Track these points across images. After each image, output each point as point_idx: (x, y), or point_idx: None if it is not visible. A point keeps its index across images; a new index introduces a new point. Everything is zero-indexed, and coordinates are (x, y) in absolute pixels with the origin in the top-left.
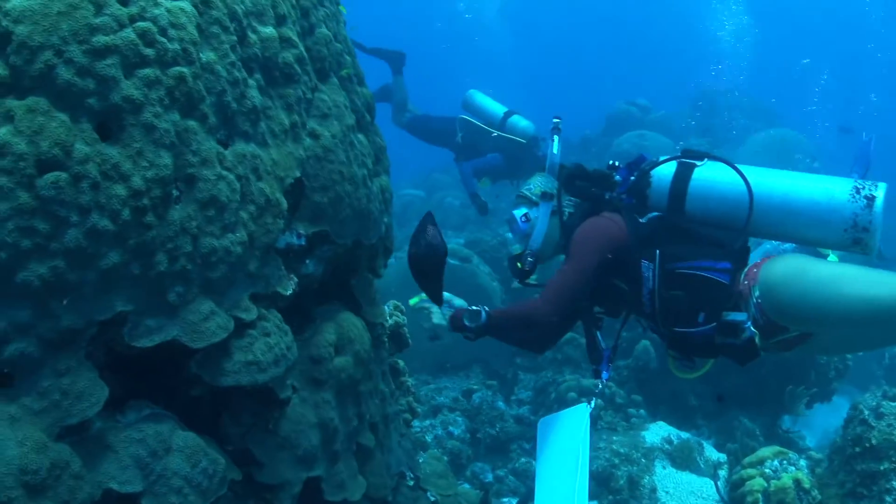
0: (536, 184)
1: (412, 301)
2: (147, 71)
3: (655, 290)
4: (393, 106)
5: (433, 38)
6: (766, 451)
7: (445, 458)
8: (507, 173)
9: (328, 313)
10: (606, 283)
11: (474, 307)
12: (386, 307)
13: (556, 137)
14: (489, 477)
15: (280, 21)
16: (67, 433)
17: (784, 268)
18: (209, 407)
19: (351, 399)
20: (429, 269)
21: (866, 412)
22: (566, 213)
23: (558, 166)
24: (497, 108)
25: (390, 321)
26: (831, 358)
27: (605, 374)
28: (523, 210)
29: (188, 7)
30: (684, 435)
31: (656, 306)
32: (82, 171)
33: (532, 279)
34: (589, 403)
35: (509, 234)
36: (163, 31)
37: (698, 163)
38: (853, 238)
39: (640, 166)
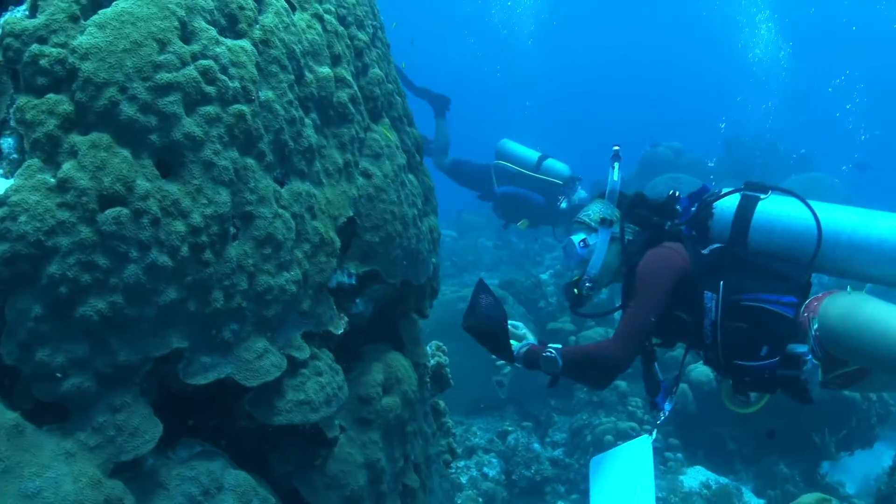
0: (595, 210)
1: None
2: (208, 108)
3: (718, 322)
4: (434, 149)
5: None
6: (807, 498)
7: (481, 499)
8: (546, 217)
9: (376, 353)
10: (667, 314)
11: (548, 353)
12: (428, 347)
13: (615, 164)
14: None
15: (335, 61)
16: (121, 469)
17: (842, 303)
18: (256, 444)
19: (397, 439)
20: (492, 338)
21: None
22: (626, 241)
23: (618, 193)
24: (531, 154)
25: (432, 361)
26: (878, 398)
27: (666, 406)
28: (581, 235)
29: (248, 46)
30: (722, 480)
31: (718, 338)
32: (143, 207)
33: (584, 309)
34: (650, 434)
35: (544, 276)
36: (224, 70)
37: (762, 195)
38: None
39: (702, 197)
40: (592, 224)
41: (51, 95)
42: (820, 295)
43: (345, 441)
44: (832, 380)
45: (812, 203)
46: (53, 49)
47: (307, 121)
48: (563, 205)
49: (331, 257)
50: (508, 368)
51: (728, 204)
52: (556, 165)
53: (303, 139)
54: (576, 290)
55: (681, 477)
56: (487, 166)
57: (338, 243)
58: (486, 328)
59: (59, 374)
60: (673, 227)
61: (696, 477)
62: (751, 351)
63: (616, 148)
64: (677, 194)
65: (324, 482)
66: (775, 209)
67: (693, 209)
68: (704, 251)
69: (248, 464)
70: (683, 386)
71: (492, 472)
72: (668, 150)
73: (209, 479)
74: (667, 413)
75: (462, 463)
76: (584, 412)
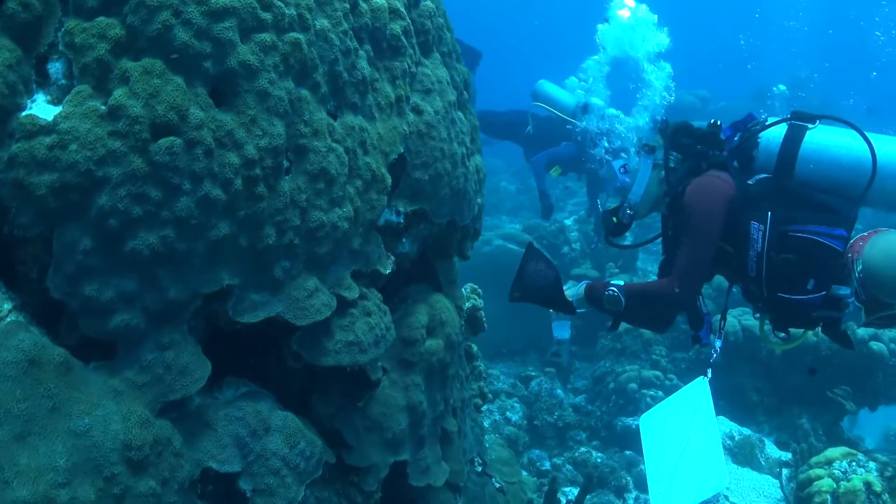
0: (639, 136)
1: None
2: (264, 35)
3: (764, 253)
4: None
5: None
6: (834, 452)
7: (504, 443)
8: (577, 165)
9: (419, 294)
10: None
11: (611, 291)
12: (463, 290)
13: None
14: (546, 465)
15: None
16: (167, 409)
17: (885, 243)
18: (298, 383)
19: (438, 383)
20: (544, 301)
21: None
22: (671, 168)
23: (662, 121)
24: (569, 98)
25: (468, 304)
26: None
27: (715, 341)
28: (621, 161)
29: None
30: (745, 431)
31: (763, 270)
32: (197, 137)
33: (619, 240)
34: (705, 375)
35: (567, 221)
36: None
37: (810, 125)
38: None
39: (747, 126)
40: (634, 150)
41: (101, 18)
42: (866, 234)
43: (387, 383)
44: (876, 321)
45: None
46: None
47: (361, 52)
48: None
49: (381, 194)
50: (566, 341)
51: (774, 134)
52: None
53: (357, 71)
54: (615, 219)
55: None
56: (521, 112)
57: (389, 180)
58: (535, 297)
59: (107, 310)
60: (717, 156)
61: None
62: (797, 284)
63: None
64: (719, 123)
65: (365, 424)
66: (825, 139)
67: (736, 139)
68: (750, 181)
69: (288, 403)
70: (731, 320)
71: (514, 417)
72: (693, 97)
73: (256, 419)
74: (718, 350)
75: (485, 407)
76: (606, 360)
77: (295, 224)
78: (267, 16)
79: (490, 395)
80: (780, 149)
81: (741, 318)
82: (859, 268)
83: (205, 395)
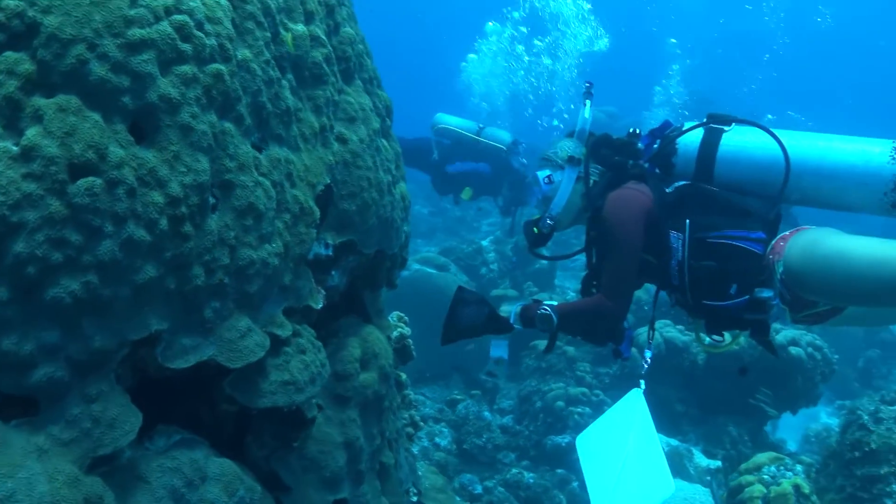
0: (563, 147)
1: None
2: (184, 67)
3: (685, 261)
4: None
5: None
6: (762, 457)
7: (436, 469)
8: (490, 188)
9: (351, 327)
10: None
11: (543, 310)
12: (389, 318)
13: (587, 101)
14: (478, 488)
15: (309, 18)
16: (97, 464)
17: (804, 241)
18: (232, 426)
19: (374, 416)
20: (482, 330)
21: (865, 417)
22: (591, 181)
23: (587, 133)
24: (469, 123)
25: (395, 333)
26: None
27: (646, 352)
28: (547, 171)
29: (223, 0)
30: (673, 442)
31: (686, 279)
32: (118, 177)
33: (543, 251)
34: (639, 385)
35: (484, 242)
36: (199, 25)
37: (726, 128)
38: (893, 201)
39: (665, 133)
40: (559, 161)
41: (9, 53)
42: (787, 234)
43: (322, 420)
44: (803, 318)
45: (777, 132)
46: (10, 0)
47: (283, 82)
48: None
49: (310, 227)
50: (504, 360)
51: (692, 139)
52: (497, 132)
53: (280, 101)
54: (535, 229)
55: None
56: (425, 139)
57: (317, 213)
58: (469, 335)
59: (27, 364)
60: (636, 167)
61: None
62: (720, 290)
63: (588, 84)
64: (638, 132)
65: (302, 464)
66: (740, 140)
67: (655, 146)
68: (668, 189)
69: (221, 447)
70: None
71: (443, 442)
72: (602, 114)
73: (192, 468)
74: (649, 361)
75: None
76: (532, 378)
77: (224, 263)
78: (187, 47)
79: (421, 423)
80: (698, 153)
81: (662, 330)
82: (780, 269)
83: (136, 447)
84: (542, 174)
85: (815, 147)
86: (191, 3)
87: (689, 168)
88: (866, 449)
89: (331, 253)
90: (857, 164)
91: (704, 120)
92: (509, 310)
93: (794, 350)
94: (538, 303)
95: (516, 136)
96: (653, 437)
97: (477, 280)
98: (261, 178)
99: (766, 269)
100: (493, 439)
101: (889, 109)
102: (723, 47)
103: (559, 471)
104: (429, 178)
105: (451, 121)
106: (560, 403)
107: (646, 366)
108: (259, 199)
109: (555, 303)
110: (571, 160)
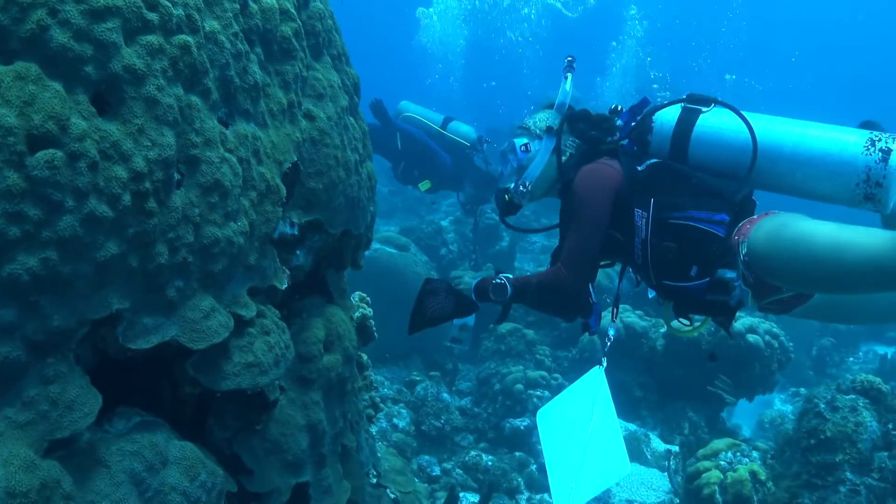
0: (542, 118)
1: None
2: (150, 38)
3: (647, 241)
4: None
5: None
6: (719, 443)
7: (394, 451)
8: (449, 182)
9: (314, 307)
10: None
11: (498, 280)
12: (352, 298)
13: (569, 75)
14: (437, 470)
15: None
16: (54, 448)
17: (771, 225)
18: (194, 408)
19: (337, 398)
20: (449, 315)
21: (821, 405)
22: (566, 153)
23: (567, 106)
24: (434, 115)
25: (357, 313)
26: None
27: (609, 329)
28: (524, 140)
29: None
30: (631, 426)
31: (648, 258)
32: (80, 150)
33: (511, 220)
34: (601, 364)
35: (443, 223)
36: None
37: (704, 108)
38: (865, 193)
39: (643, 110)
40: (536, 131)
41: None
42: (755, 217)
43: (285, 402)
44: (768, 305)
45: (752, 115)
46: None
47: (252, 56)
48: (479, 162)
49: (277, 206)
50: (469, 326)
51: (668, 117)
52: (462, 127)
53: (248, 76)
54: (507, 197)
55: None
56: (388, 130)
57: (283, 191)
58: (437, 322)
59: None
60: (612, 143)
61: None
62: (680, 271)
63: (570, 58)
64: (620, 108)
65: (265, 447)
66: (717, 122)
67: (633, 123)
68: (640, 167)
69: (182, 429)
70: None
71: (401, 423)
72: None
73: (152, 452)
74: (611, 339)
75: None
76: (491, 361)
77: (188, 241)
78: (153, 16)
79: (382, 405)
80: (674, 132)
81: (622, 314)
82: (744, 250)
83: (95, 430)
84: (520, 142)
85: (791, 133)
86: None
87: (664, 146)
88: (822, 437)
89: (296, 232)
90: (831, 151)
91: (684, 97)
92: (468, 282)
93: (751, 337)
94: (496, 273)
95: (481, 132)
96: (612, 416)
97: (437, 261)
98: (227, 155)
99: (731, 251)
100: (452, 421)
101: (846, 81)
102: (680, 18)
103: (518, 453)
104: (389, 164)
105: (416, 110)
106: (519, 386)
107: (609, 343)
108: (225, 176)
109: (510, 275)
110: (549, 130)
